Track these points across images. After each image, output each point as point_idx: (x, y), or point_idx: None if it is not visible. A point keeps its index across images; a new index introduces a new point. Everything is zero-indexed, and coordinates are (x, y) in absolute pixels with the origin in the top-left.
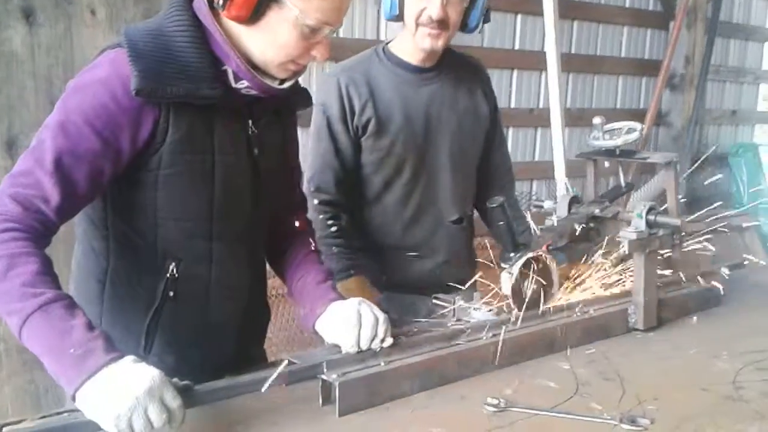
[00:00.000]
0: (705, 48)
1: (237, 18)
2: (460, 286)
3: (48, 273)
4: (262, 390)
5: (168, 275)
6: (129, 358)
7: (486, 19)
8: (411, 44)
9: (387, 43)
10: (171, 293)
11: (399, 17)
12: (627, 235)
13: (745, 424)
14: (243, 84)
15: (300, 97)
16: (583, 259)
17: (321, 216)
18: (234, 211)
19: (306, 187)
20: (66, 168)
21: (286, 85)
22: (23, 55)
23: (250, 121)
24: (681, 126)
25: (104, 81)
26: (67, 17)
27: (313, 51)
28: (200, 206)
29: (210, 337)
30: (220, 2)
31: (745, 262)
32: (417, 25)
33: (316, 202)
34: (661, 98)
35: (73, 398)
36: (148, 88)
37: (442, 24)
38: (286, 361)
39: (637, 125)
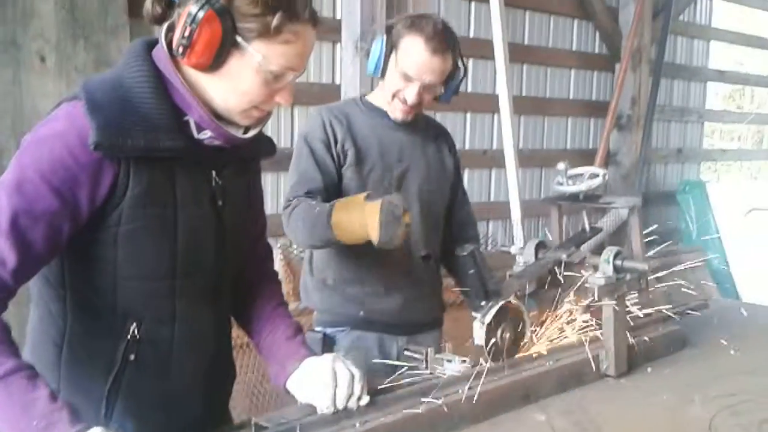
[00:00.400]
0: (650, 89)
1: (197, 65)
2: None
3: (6, 341)
4: None
5: (129, 337)
6: (95, 430)
7: (456, 91)
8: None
9: (364, 95)
10: (132, 356)
11: (381, 77)
12: (595, 281)
13: None
14: (206, 134)
15: (264, 146)
16: (553, 305)
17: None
18: (198, 266)
19: (285, 206)
20: (23, 229)
21: (251, 134)
22: None
23: (213, 172)
24: (630, 165)
25: (61, 135)
26: (15, 63)
27: (276, 97)
28: (162, 263)
29: (173, 400)
30: (180, 50)
31: (708, 301)
32: (393, 97)
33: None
34: (609, 138)
35: None
36: (107, 142)
37: (415, 105)
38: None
39: (600, 171)
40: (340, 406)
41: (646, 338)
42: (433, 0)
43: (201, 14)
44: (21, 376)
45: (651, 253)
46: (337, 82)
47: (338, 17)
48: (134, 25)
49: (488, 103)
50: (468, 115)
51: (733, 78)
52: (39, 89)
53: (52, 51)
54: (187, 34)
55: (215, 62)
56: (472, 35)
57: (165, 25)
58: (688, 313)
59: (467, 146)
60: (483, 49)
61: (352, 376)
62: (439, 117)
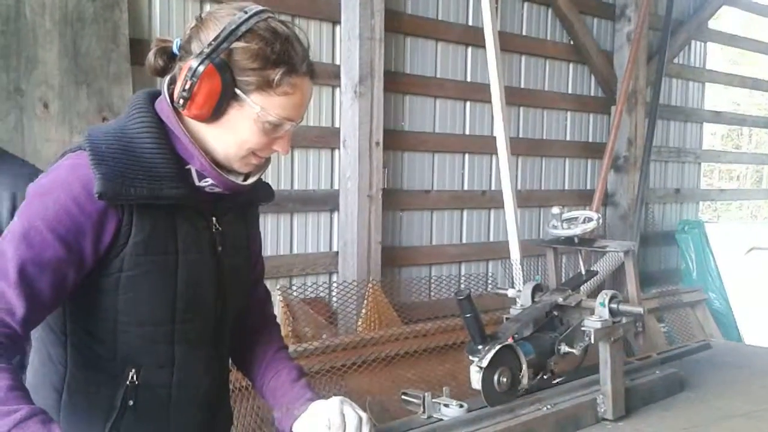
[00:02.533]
0: (646, 130)
1: (198, 117)
2: None
3: (20, 388)
4: None
5: (128, 383)
6: None
7: None
8: None
9: None
10: (131, 402)
11: None
12: (592, 324)
13: None
14: (207, 182)
15: (262, 191)
16: (551, 348)
17: None
18: (197, 312)
19: None
20: (30, 278)
21: (251, 181)
22: None
23: (213, 219)
24: (627, 205)
25: (66, 185)
26: (19, 110)
27: (274, 146)
28: (162, 308)
29: None
30: (181, 102)
31: (709, 342)
32: None
33: None
34: (606, 179)
35: None
36: (111, 192)
37: None
38: None
39: (594, 214)
40: None
41: (642, 381)
42: (431, 46)
43: (201, 68)
44: (35, 421)
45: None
46: (336, 125)
47: (337, 62)
48: (136, 73)
49: (486, 145)
50: (466, 157)
51: (729, 119)
52: (42, 135)
53: (55, 97)
54: (187, 87)
55: (215, 114)
56: (469, 79)
57: (167, 78)
58: (690, 354)
59: (466, 187)
60: (480, 93)
61: (360, 419)
62: (437, 158)
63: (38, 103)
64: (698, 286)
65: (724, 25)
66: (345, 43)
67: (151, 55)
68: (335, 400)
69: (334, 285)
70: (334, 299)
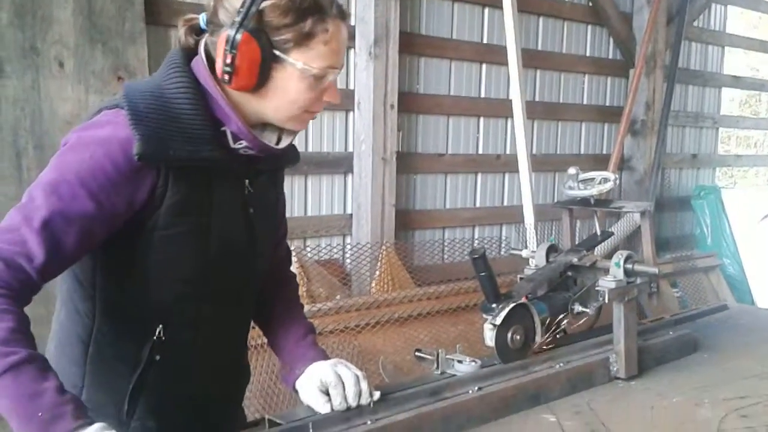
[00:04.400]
0: (664, 94)
1: (245, 87)
2: None
3: (23, 332)
4: None
5: (155, 338)
6: (98, 425)
7: None
8: None
9: None
10: (157, 357)
11: None
12: (606, 284)
13: None
14: (241, 144)
15: (290, 154)
16: (564, 307)
17: None
18: (228, 272)
19: None
20: (55, 229)
21: (283, 143)
22: None
23: (246, 181)
24: (643, 170)
25: (103, 142)
26: (34, 69)
27: (325, 96)
28: (194, 268)
29: (194, 401)
30: (226, 78)
31: (727, 305)
32: None
33: None
34: (623, 144)
35: None
36: (150, 153)
37: None
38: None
39: (611, 175)
40: (352, 403)
41: (655, 341)
42: (447, 6)
43: (238, 38)
44: (33, 368)
45: (666, 257)
46: (351, 87)
47: (352, 23)
48: (151, 32)
49: (501, 108)
50: (481, 120)
51: (748, 84)
52: (57, 94)
53: (70, 56)
54: (229, 61)
55: (260, 81)
56: (485, 41)
57: (205, 37)
58: (705, 316)
59: (480, 151)
60: (496, 55)
61: (356, 376)
62: (451, 121)
63: (54, 62)
64: (713, 252)
65: None
66: (360, 2)
67: (181, 35)
68: (329, 362)
69: (348, 247)
70: (348, 261)
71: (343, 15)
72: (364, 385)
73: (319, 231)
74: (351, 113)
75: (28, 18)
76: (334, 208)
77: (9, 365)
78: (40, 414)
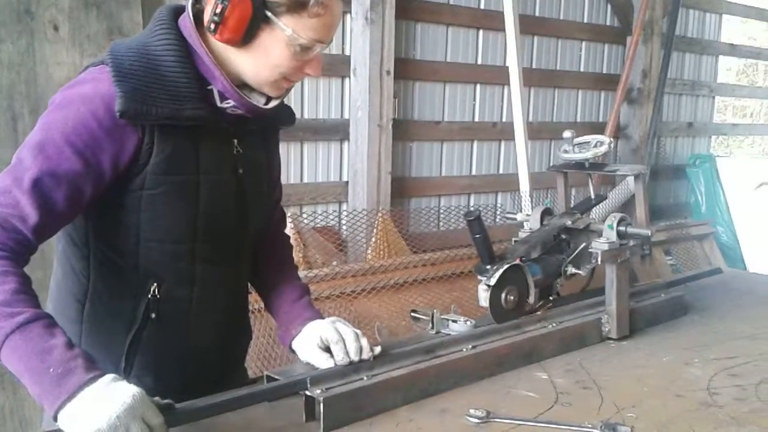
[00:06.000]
0: (661, 62)
1: (230, 41)
2: None
3: (27, 292)
4: None
5: (149, 296)
6: (109, 377)
7: None
8: None
9: None
10: (152, 315)
11: None
12: (599, 246)
13: (722, 429)
14: (229, 103)
15: (284, 115)
16: (558, 269)
17: None
18: (218, 231)
19: None
20: (45, 188)
21: (272, 104)
22: None
23: (235, 141)
24: (639, 138)
25: (87, 99)
26: (29, 33)
27: (306, 68)
28: (184, 227)
29: (191, 359)
30: (212, 27)
31: (721, 268)
32: None
33: None
34: (619, 112)
35: (55, 418)
36: (133, 110)
37: None
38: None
39: (606, 138)
40: (354, 358)
41: (647, 303)
42: None
43: None
44: (39, 325)
45: (660, 225)
46: (347, 53)
47: None
48: None
49: (498, 75)
50: (478, 87)
51: (745, 52)
52: (52, 58)
53: (65, 20)
54: (218, 11)
55: (246, 38)
56: (482, 6)
57: None
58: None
59: (477, 118)
60: (493, 21)
61: (356, 333)
62: (448, 88)
63: (48, 25)
64: (707, 220)
65: None
66: None
67: None
68: (327, 320)
69: (344, 214)
70: (344, 228)
71: None
72: (364, 342)
73: (316, 198)
74: (347, 79)
75: None
76: (330, 175)
77: (17, 325)
78: (51, 369)
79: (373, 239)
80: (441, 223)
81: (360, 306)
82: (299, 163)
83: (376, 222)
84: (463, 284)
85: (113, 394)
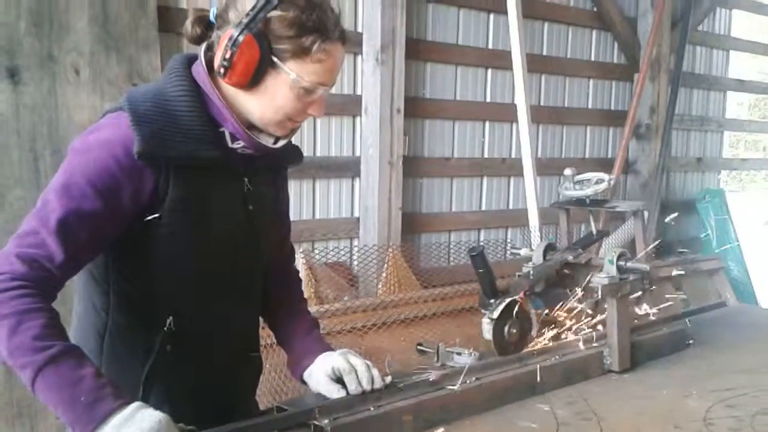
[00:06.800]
0: (669, 98)
1: (237, 84)
2: None
3: (56, 326)
4: None
5: (165, 329)
6: (137, 404)
7: None
8: None
9: None
10: (168, 347)
11: None
12: (599, 280)
13: None
14: (239, 144)
15: (292, 154)
16: (559, 303)
17: None
18: (230, 266)
19: None
20: (70, 228)
21: (280, 143)
22: (8, 113)
23: (245, 179)
24: (648, 174)
25: (107, 143)
26: (51, 76)
27: (309, 110)
28: (197, 262)
29: (205, 391)
30: (221, 71)
31: (726, 303)
32: None
33: None
34: (628, 147)
35: None
36: (150, 151)
37: None
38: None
39: (605, 176)
40: (367, 387)
41: (649, 336)
42: (453, 12)
43: (241, 38)
44: (70, 357)
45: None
46: (358, 92)
47: (359, 30)
48: (164, 39)
49: (507, 113)
50: (487, 124)
51: (753, 87)
52: (74, 101)
53: (86, 64)
54: (228, 56)
55: (253, 81)
56: (491, 46)
57: (204, 44)
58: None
59: (486, 154)
60: (501, 60)
61: (366, 364)
62: (457, 126)
63: (70, 69)
64: (717, 255)
65: None
66: (367, 9)
67: (188, 24)
68: (338, 352)
69: (356, 249)
70: (355, 263)
71: (343, 39)
72: (375, 372)
73: (327, 234)
74: (358, 118)
75: (45, 26)
76: (342, 212)
77: (49, 358)
78: (82, 398)
79: (384, 274)
80: (451, 259)
81: (371, 341)
82: (311, 200)
83: (387, 257)
84: (473, 319)
85: (141, 420)
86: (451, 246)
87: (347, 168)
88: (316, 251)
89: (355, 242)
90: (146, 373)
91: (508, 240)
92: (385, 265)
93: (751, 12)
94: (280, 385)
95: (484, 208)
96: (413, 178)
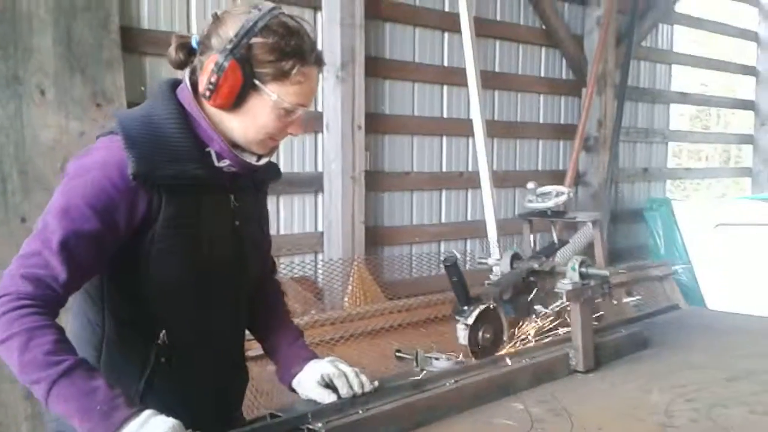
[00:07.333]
0: (615, 112)
1: (222, 106)
2: None
3: (65, 341)
4: None
5: (159, 342)
6: (149, 411)
7: None
8: None
9: None
10: (162, 359)
11: None
12: (564, 286)
13: None
14: (225, 162)
15: (272, 171)
16: (527, 308)
17: None
18: (219, 279)
19: None
20: (71, 247)
21: (263, 161)
22: None
23: (231, 196)
24: (598, 185)
25: (102, 166)
26: (17, 97)
27: (289, 129)
28: (188, 276)
29: (198, 400)
30: (207, 93)
31: (679, 306)
32: None
33: None
34: (578, 160)
35: None
36: (143, 172)
37: None
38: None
39: (565, 189)
40: (358, 390)
41: (610, 338)
42: (409, 32)
43: (226, 63)
44: (81, 370)
45: (621, 267)
46: (320, 109)
47: (320, 48)
48: (127, 59)
49: (463, 128)
50: (444, 139)
51: (695, 100)
52: (40, 121)
53: (51, 85)
54: (213, 80)
55: (237, 103)
56: (446, 64)
57: (188, 69)
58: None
59: (444, 168)
60: (457, 77)
61: (354, 371)
62: (416, 141)
63: (35, 90)
64: (666, 261)
65: (691, 8)
66: (326, 29)
67: (172, 50)
68: (326, 359)
69: (320, 264)
70: (320, 277)
71: (320, 63)
72: (363, 378)
73: (292, 249)
74: (320, 134)
75: (10, 48)
76: (306, 226)
77: (62, 371)
78: (98, 407)
79: (350, 287)
80: (413, 270)
81: (339, 353)
82: (275, 215)
83: (352, 270)
84: (437, 328)
85: (155, 426)
86: (413, 258)
87: (310, 183)
88: (282, 266)
89: (320, 256)
90: (143, 384)
91: (468, 251)
92: (351, 278)
93: (691, 27)
94: (251, 400)
95: (443, 220)
96: (375, 192)
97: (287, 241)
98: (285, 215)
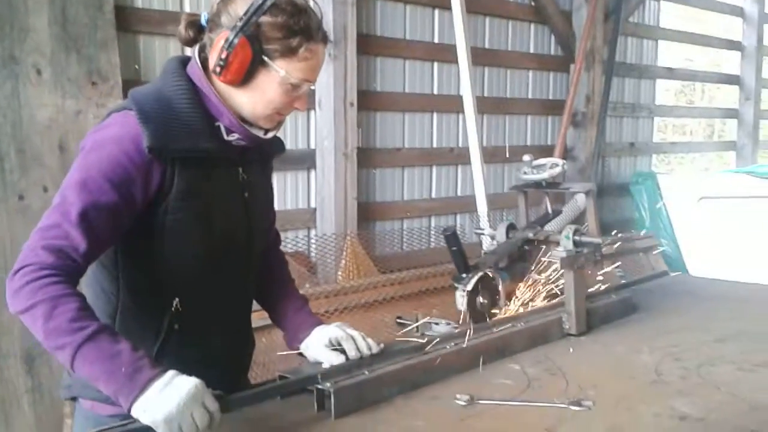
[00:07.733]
0: (603, 87)
1: (232, 82)
2: None
3: (87, 308)
4: None
5: (172, 309)
6: (172, 372)
7: None
8: None
9: None
10: (176, 326)
11: None
12: (558, 254)
13: (670, 399)
14: (234, 136)
15: (277, 145)
16: (522, 276)
17: None
18: (230, 249)
19: None
20: (90, 219)
21: (270, 134)
22: None
23: (240, 169)
24: (585, 159)
25: (118, 140)
26: (14, 77)
27: (295, 103)
28: (200, 246)
29: (209, 365)
30: (218, 70)
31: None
32: None
33: None
34: (566, 135)
35: (129, 409)
36: (158, 145)
37: None
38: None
39: (559, 161)
40: (366, 352)
41: (601, 303)
42: (400, 8)
43: (236, 40)
44: (105, 334)
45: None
46: (312, 87)
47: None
48: (122, 38)
49: (453, 104)
50: (435, 116)
51: (681, 75)
52: (36, 100)
53: (47, 65)
54: (224, 56)
55: (246, 78)
56: (437, 41)
57: (197, 46)
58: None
59: (435, 144)
60: (447, 54)
61: (362, 334)
62: (407, 117)
63: (32, 69)
64: (651, 233)
65: None
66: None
67: (181, 28)
68: (334, 324)
69: (313, 239)
70: (313, 252)
71: (325, 40)
72: (369, 340)
73: (285, 225)
74: (312, 111)
75: (6, 28)
76: (299, 203)
77: (87, 336)
78: (123, 369)
79: (343, 262)
80: (405, 245)
81: None
82: None
83: (345, 245)
84: (429, 301)
85: (178, 385)
86: (405, 233)
87: (303, 160)
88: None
89: (313, 232)
90: (156, 351)
91: (458, 225)
92: (344, 253)
93: (677, 3)
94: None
95: (434, 195)
96: (367, 168)
97: (280, 217)
98: (278, 192)
